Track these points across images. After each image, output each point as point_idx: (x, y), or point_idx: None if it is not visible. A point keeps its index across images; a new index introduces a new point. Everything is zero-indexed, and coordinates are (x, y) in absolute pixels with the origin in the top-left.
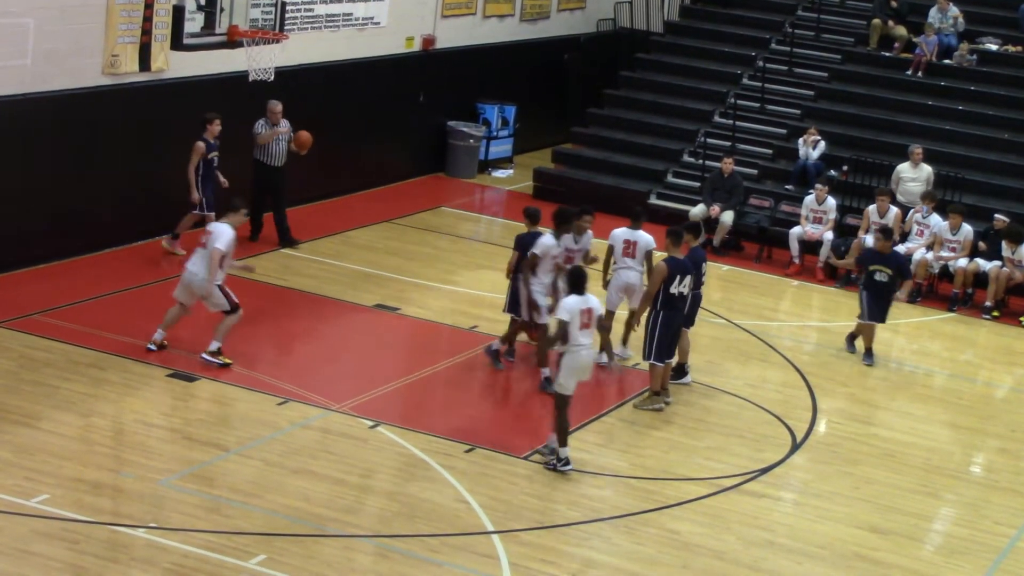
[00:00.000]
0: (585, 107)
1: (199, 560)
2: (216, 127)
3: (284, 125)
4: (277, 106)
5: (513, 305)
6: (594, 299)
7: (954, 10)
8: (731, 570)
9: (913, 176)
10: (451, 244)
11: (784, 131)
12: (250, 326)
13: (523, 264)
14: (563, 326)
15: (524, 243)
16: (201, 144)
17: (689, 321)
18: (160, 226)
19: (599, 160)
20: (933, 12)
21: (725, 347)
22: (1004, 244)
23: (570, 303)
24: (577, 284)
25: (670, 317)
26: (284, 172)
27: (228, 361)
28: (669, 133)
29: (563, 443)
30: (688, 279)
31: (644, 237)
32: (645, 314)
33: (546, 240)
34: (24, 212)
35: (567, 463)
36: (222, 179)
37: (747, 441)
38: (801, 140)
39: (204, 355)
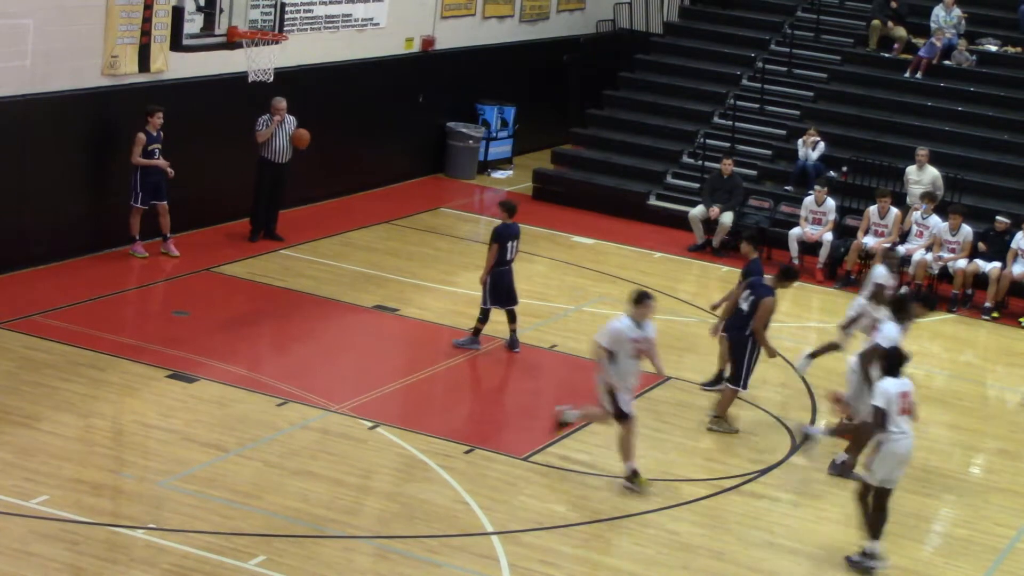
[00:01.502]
0: (585, 108)
1: (198, 561)
2: (158, 119)
3: (288, 121)
4: (281, 102)
5: (494, 298)
6: (909, 382)
7: (958, 10)
8: (731, 570)
9: (916, 179)
10: (451, 245)
11: (783, 132)
12: (250, 327)
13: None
14: (880, 413)
15: (500, 235)
16: (142, 135)
17: None
18: (159, 227)
19: (599, 161)
20: (938, 11)
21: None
22: (1021, 232)
23: (887, 387)
24: (894, 366)
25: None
26: (287, 169)
27: (645, 484)
28: (669, 134)
29: (875, 536)
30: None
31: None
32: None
33: (890, 331)
34: (23, 213)
35: (875, 558)
36: (170, 170)
37: (746, 442)
38: (800, 141)
39: (624, 483)
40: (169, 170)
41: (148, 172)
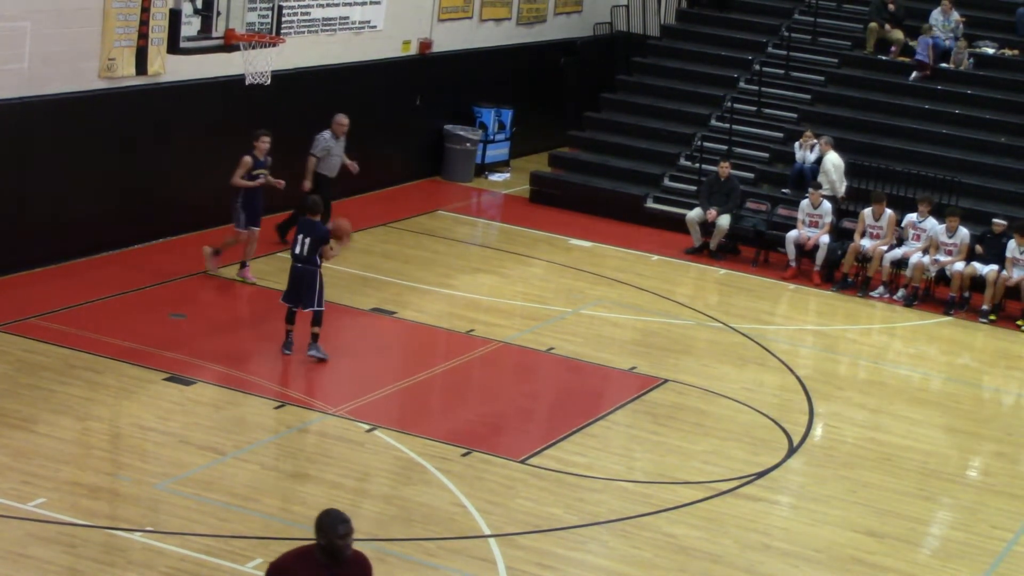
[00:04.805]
0: (582, 111)
1: (196, 564)
2: (264, 144)
3: (342, 143)
4: (344, 119)
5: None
6: None
7: (956, 14)
8: (728, 573)
9: (824, 169)
10: (448, 248)
11: (781, 135)
12: (247, 329)
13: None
14: None
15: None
16: (248, 159)
17: None
18: (157, 230)
19: (596, 164)
20: (935, 14)
21: (722, 351)
22: (1013, 240)
23: None
24: None
25: None
26: (335, 183)
27: None
28: (666, 136)
29: None
30: None
31: None
32: None
33: None
34: (20, 215)
35: None
36: (278, 182)
37: (743, 445)
38: (798, 144)
39: None
40: (279, 182)
41: (252, 195)
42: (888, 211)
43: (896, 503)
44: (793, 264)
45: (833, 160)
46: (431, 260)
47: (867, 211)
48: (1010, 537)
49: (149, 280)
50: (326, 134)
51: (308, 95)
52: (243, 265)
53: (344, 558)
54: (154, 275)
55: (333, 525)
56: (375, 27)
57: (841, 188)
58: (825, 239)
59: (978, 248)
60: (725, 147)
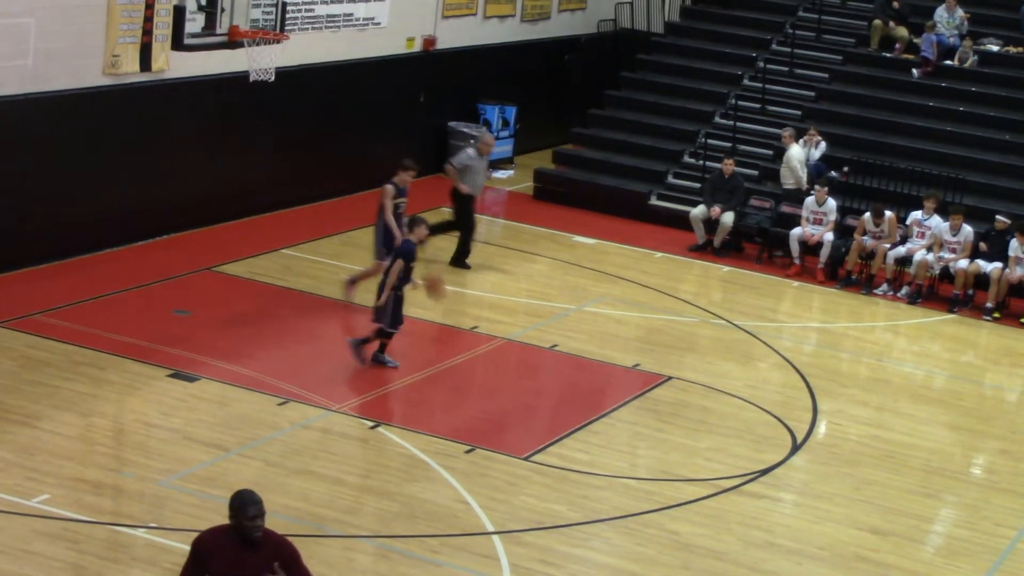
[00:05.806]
0: (586, 108)
1: None
2: (407, 176)
3: (485, 162)
4: (490, 139)
5: (383, 313)
6: None
7: (960, 11)
8: (731, 571)
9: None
10: (451, 245)
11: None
12: (250, 326)
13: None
14: None
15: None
16: (390, 187)
17: None
18: (161, 226)
19: (600, 161)
20: (941, 12)
21: (725, 348)
22: (1015, 239)
23: None
24: None
25: None
26: (476, 201)
27: None
28: (670, 134)
29: None
30: None
31: None
32: None
33: None
34: (24, 212)
35: None
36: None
37: (747, 442)
38: (802, 141)
39: None
40: (397, 233)
41: (386, 226)
42: (888, 213)
43: (900, 501)
44: (797, 261)
45: (797, 155)
46: (434, 257)
47: (867, 216)
48: (1013, 535)
49: (153, 277)
50: (470, 150)
51: (312, 92)
52: (352, 282)
53: (253, 539)
54: (158, 272)
55: (243, 506)
56: (379, 24)
57: (803, 178)
58: (829, 236)
59: (982, 246)
60: (729, 144)
